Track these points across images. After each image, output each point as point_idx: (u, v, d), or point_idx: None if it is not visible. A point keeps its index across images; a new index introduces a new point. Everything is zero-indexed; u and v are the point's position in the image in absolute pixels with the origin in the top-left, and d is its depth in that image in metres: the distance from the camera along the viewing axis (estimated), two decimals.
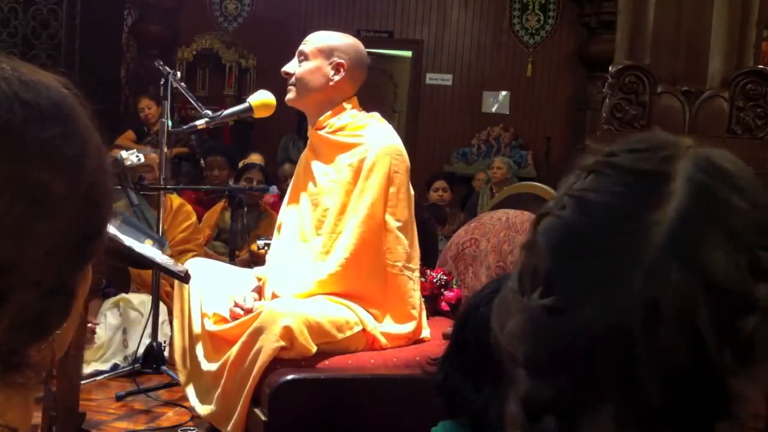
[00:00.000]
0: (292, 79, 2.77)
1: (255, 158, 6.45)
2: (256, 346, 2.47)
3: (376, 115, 2.84)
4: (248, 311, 2.62)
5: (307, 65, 2.75)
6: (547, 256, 0.64)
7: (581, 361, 0.61)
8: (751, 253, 0.59)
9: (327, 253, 2.68)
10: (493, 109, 9.00)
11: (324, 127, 2.79)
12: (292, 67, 2.79)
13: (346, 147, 2.74)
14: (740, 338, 0.59)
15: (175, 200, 4.71)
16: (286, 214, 2.92)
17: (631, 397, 0.60)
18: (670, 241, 0.59)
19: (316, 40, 2.79)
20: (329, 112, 2.78)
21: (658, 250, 0.59)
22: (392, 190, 2.67)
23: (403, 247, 2.69)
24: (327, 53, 2.75)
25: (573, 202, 0.64)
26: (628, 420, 0.60)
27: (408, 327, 2.70)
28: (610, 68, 2.99)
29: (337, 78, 2.74)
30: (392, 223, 2.67)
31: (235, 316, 2.65)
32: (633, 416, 0.60)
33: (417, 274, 2.76)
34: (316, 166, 2.81)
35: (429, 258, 3.34)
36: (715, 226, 0.60)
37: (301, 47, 2.80)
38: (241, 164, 6.16)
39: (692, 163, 0.62)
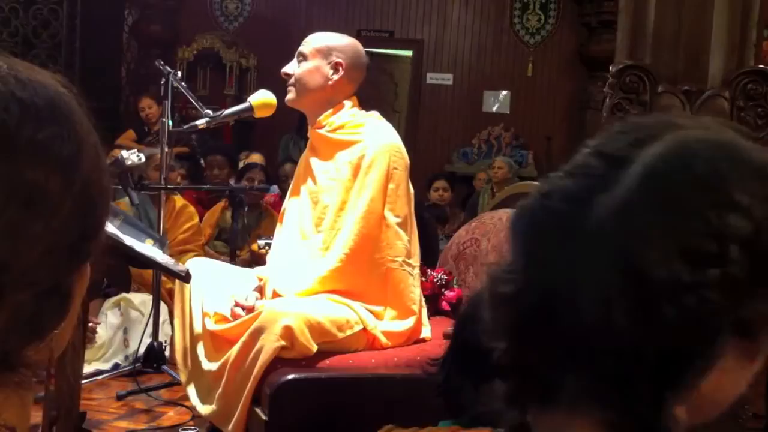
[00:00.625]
0: (292, 80, 2.79)
1: (255, 158, 6.45)
2: (257, 346, 2.48)
3: (374, 114, 2.86)
4: (250, 310, 2.63)
5: (305, 65, 2.77)
6: (510, 233, 0.68)
7: (515, 328, 0.65)
8: (685, 240, 0.59)
9: (327, 249, 2.69)
10: (494, 109, 9.00)
11: (323, 126, 2.80)
12: (291, 67, 2.81)
13: (346, 145, 2.76)
14: (663, 325, 0.59)
15: (178, 201, 4.71)
16: (286, 213, 2.93)
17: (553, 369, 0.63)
18: (602, 225, 0.60)
19: (315, 40, 2.81)
20: (328, 111, 2.79)
21: (591, 234, 0.61)
22: (391, 186, 2.68)
23: (403, 243, 2.69)
24: (325, 53, 2.77)
25: (543, 183, 0.68)
26: (589, 381, 0.62)
27: (408, 323, 2.70)
28: (610, 68, 2.99)
29: (335, 77, 2.76)
30: (391, 218, 2.68)
31: (236, 316, 2.65)
32: (591, 377, 0.62)
33: (417, 270, 2.77)
34: (316, 164, 2.83)
35: (430, 258, 3.34)
36: (654, 214, 0.60)
37: (300, 48, 2.82)
38: (241, 164, 6.17)
39: (661, 149, 0.63)
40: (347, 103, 2.81)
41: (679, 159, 0.62)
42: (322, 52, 2.78)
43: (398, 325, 2.70)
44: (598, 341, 0.60)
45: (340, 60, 2.76)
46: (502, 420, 0.72)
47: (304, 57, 2.79)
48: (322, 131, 2.81)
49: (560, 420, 0.65)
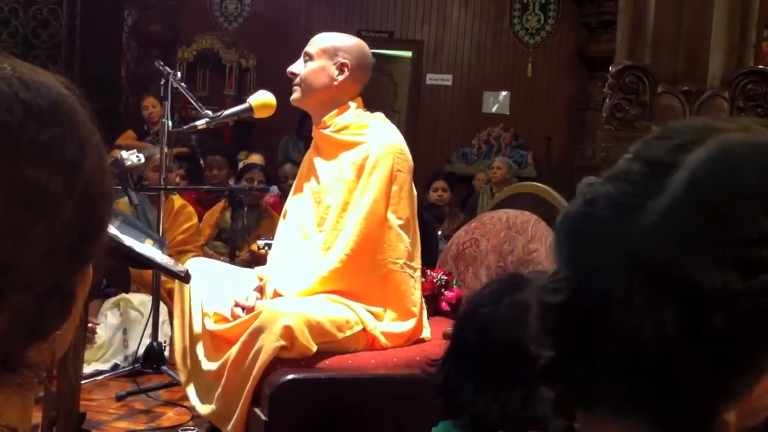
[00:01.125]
0: (297, 79, 2.79)
1: (255, 158, 6.46)
2: (257, 346, 2.48)
3: (379, 115, 2.85)
4: (250, 310, 2.63)
5: (311, 65, 2.77)
6: (555, 241, 0.68)
7: (567, 336, 0.65)
8: (735, 247, 0.59)
9: (328, 249, 2.69)
10: (494, 109, 9.01)
11: (328, 126, 2.80)
12: (297, 67, 2.80)
13: (350, 145, 2.75)
14: (716, 333, 0.59)
15: (177, 201, 4.71)
16: (289, 212, 2.93)
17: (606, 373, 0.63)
18: (649, 233, 0.60)
19: (321, 40, 2.81)
20: (333, 112, 2.79)
21: (638, 242, 0.61)
22: (395, 188, 2.68)
23: (404, 245, 2.69)
24: (331, 53, 2.77)
25: (587, 190, 0.67)
26: (636, 387, 0.63)
27: (408, 325, 2.70)
28: (610, 68, 2.99)
29: (341, 78, 2.76)
30: (394, 221, 2.68)
31: (235, 316, 2.65)
32: (639, 383, 0.62)
33: (418, 273, 2.77)
34: (320, 164, 2.83)
35: (429, 258, 3.34)
36: (703, 222, 0.60)
37: (307, 48, 2.81)
38: (241, 164, 6.16)
39: (705, 154, 0.62)
40: (352, 104, 2.81)
41: (724, 164, 0.61)
42: (327, 52, 2.78)
43: (398, 326, 2.70)
44: (648, 349, 0.60)
45: (345, 61, 2.76)
46: (548, 425, 0.72)
47: (310, 57, 2.79)
48: (326, 131, 2.81)
49: (607, 426, 0.66)
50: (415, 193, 2.80)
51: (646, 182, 0.63)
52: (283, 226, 2.94)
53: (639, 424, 0.63)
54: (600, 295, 0.62)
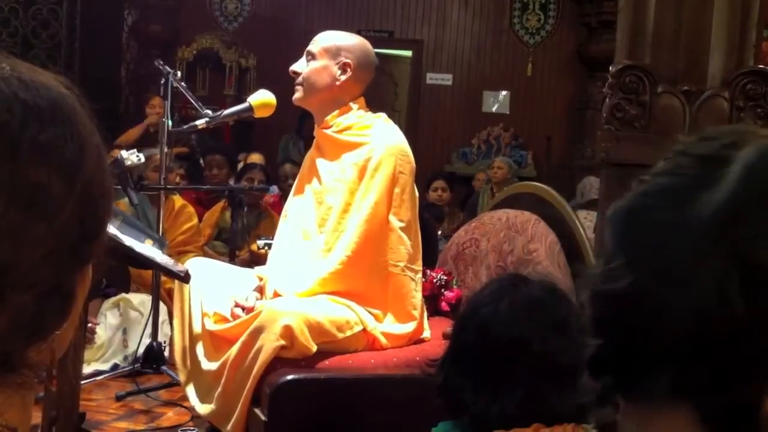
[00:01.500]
0: (299, 79, 2.78)
1: (255, 158, 6.45)
2: (257, 346, 2.47)
3: (382, 116, 2.85)
4: (250, 310, 2.62)
5: (314, 65, 2.76)
6: (610, 233, 0.71)
7: (623, 323, 0.67)
8: None
9: (329, 251, 2.69)
10: (494, 109, 9.01)
11: (330, 126, 2.80)
12: (299, 66, 2.79)
13: (352, 146, 2.75)
14: None
15: (178, 201, 4.71)
16: (289, 212, 2.92)
17: (673, 356, 0.65)
18: (713, 220, 0.63)
19: (324, 39, 2.80)
20: (336, 112, 2.78)
21: (697, 230, 0.64)
22: (396, 190, 2.68)
23: (406, 248, 2.69)
24: (334, 53, 2.76)
25: (637, 186, 0.71)
26: (685, 374, 0.65)
27: (408, 327, 2.70)
28: (610, 68, 2.99)
29: (343, 78, 2.75)
30: (395, 223, 2.68)
31: (235, 316, 2.65)
32: (689, 371, 0.65)
33: (419, 276, 2.76)
34: (322, 164, 2.82)
35: (429, 258, 3.34)
36: (760, 210, 0.63)
37: (309, 47, 2.80)
38: (241, 165, 6.16)
39: (755, 150, 0.66)
40: (354, 104, 2.80)
41: None
42: (330, 51, 2.77)
43: (398, 328, 2.70)
44: (711, 331, 0.62)
45: (348, 60, 2.75)
46: (590, 416, 0.75)
47: (312, 56, 2.78)
48: (328, 131, 2.80)
49: (649, 418, 0.68)
50: (416, 194, 2.80)
51: (700, 174, 0.66)
52: (283, 225, 2.94)
53: (682, 415, 0.65)
54: (664, 279, 0.65)
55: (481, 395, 1.46)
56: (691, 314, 0.63)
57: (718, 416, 0.64)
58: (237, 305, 2.67)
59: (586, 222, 3.99)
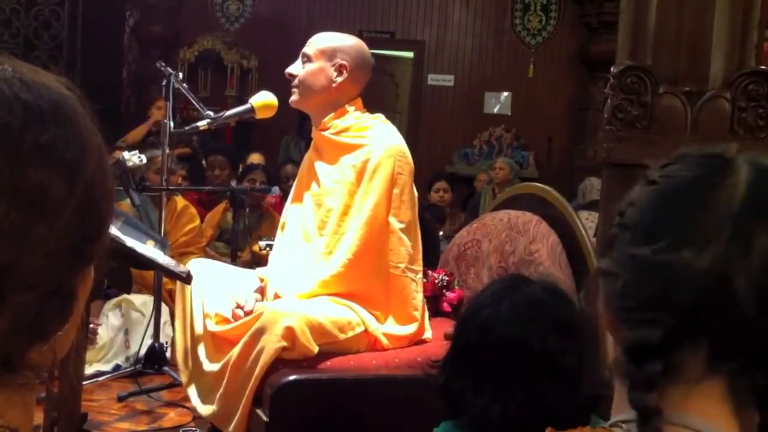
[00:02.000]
0: (296, 81, 2.78)
1: (255, 158, 6.45)
2: (258, 347, 2.47)
3: (380, 117, 2.84)
4: (248, 313, 2.62)
5: (309, 67, 2.76)
6: (647, 213, 0.77)
7: (681, 297, 0.72)
8: None
9: (330, 253, 2.68)
10: (495, 110, 9.00)
11: (328, 128, 2.79)
12: (295, 68, 2.79)
13: (350, 148, 2.74)
14: None
15: (180, 202, 4.71)
16: (289, 214, 2.92)
17: (724, 329, 0.71)
18: (746, 198, 0.72)
19: (319, 41, 2.80)
20: (333, 114, 2.78)
21: (738, 204, 0.72)
22: (396, 191, 2.67)
23: (406, 249, 2.69)
24: (329, 55, 2.75)
25: (659, 177, 0.78)
26: (721, 354, 0.72)
27: (410, 328, 2.70)
28: (611, 69, 2.99)
29: (339, 79, 2.75)
30: (395, 224, 2.67)
31: (236, 317, 2.65)
32: (725, 350, 0.72)
33: (420, 276, 2.76)
34: (320, 167, 2.82)
35: (431, 259, 3.34)
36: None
37: (305, 49, 2.80)
38: (242, 165, 6.17)
39: (745, 155, 0.77)
40: (351, 107, 2.80)
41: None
42: (326, 53, 2.76)
43: (400, 329, 2.69)
44: (734, 313, 0.70)
45: (344, 62, 2.75)
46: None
47: (308, 58, 2.77)
48: (326, 134, 2.80)
49: (687, 393, 0.73)
50: (416, 195, 2.79)
51: (711, 165, 0.76)
52: (283, 227, 2.94)
53: (717, 390, 0.72)
54: (707, 259, 0.71)
55: (482, 396, 1.46)
56: (740, 305, 0.69)
57: (749, 391, 0.71)
58: (238, 306, 2.67)
59: (587, 223, 3.99)
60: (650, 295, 0.73)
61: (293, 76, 2.78)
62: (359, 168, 2.69)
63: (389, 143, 2.71)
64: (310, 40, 2.82)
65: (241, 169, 5.91)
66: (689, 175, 0.76)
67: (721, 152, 0.77)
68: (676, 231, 0.73)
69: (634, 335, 0.73)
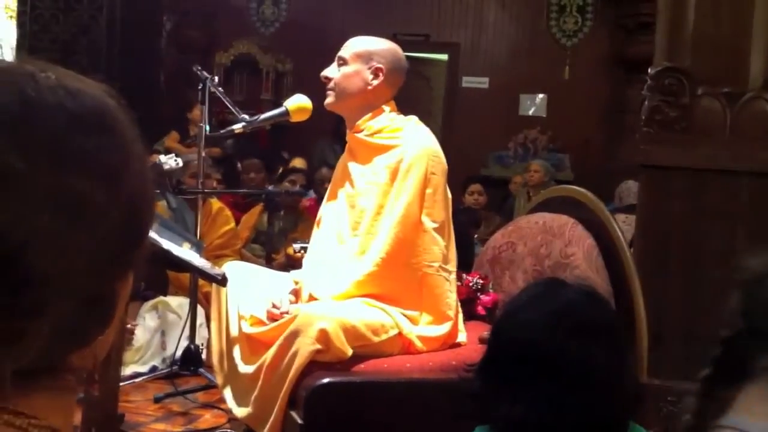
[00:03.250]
0: (331, 84, 2.79)
1: (297, 162, 6.49)
2: (293, 349, 2.48)
3: (413, 118, 2.85)
4: (281, 316, 2.64)
5: (345, 70, 2.78)
6: None
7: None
8: None
9: (363, 253, 2.69)
10: (530, 112, 8.95)
11: (362, 130, 2.81)
12: (331, 71, 2.81)
13: (384, 149, 2.76)
14: None
15: (215, 204, 4.75)
16: (323, 216, 2.94)
17: None
18: None
19: (355, 45, 2.82)
20: (367, 115, 2.79)
21: None
22: (429, 191, 2.68)
23: (440, 248, 2.69)
24: (365, 58, 2.77)
25: None
26: None
27: (444, 328, 2.69)
28: (649, 70, 2.96)
29: (375, 83, 2.76)
30: (428, 224, 2.67)
31: (272, 317, 2.66)
32: None
33: (453, 276, 2.76)
34: (354, 168, 2.83)
35: (465, 262, 3.33)
36: None
37: (341, 52, 2.82)
38: (281, 169, 6.20)
39: None
40: (386, 108, 2.82)
41: None
42: (362, 56, 2.78)
43: (434, 330, 2.69)
44: None
45: (380, 65, 2.77)
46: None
47: (344, 61, 2.79)
48: (360, 135, 2.82)
49: (747, 390, 0.77)
50: (449, 196, 2.79)
51: None
52: (317, 230, 2.95)
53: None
54: None
55: (517, 403, 1.45)
56: None
57: None
58: (273, 306, 2.68)
59: (624, 226, 3.94)
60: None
61: (329, 79, 2.80)
62: (393, 168, 2.70)
63: (422, 144, 2.72)
64: (346, 43, 2.84)
65: (281, 172, 5.95)
66: None
67: None
68: None
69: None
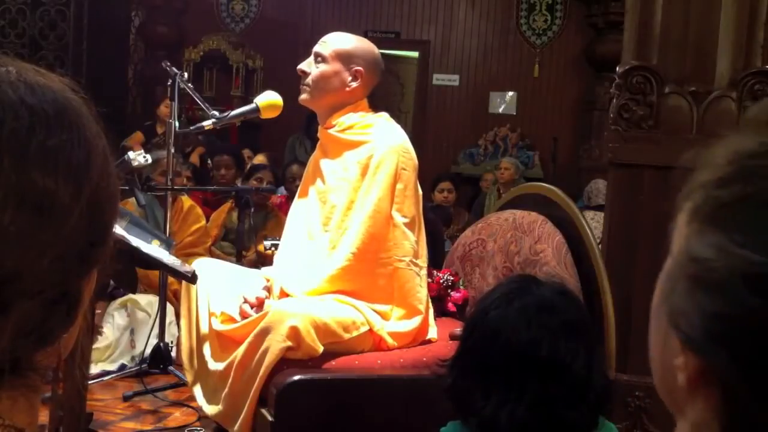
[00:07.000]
0: (308, 80, 2.77)
1: (259, 159, 6.46)
2: (263, 346, 2.48)
3: (384, 115, 2.86)
4: (260, 301, 2.63)
5: (324, 68, 2.75)
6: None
7: None
8: None
9: (334, 249, 2.69)
10: (500, 110, 9.00)
11: (333, 126, 2.80)
12: (307, 65, 2.79)
13: (354, 145, 2.76)
14: None
15: (186, 202, 4.71)
16: (295, 212, 2.93)
17: None
18: None
19: (335, 42, 2.79)
20: (338, 112, 2.79)
21: None
22: (399, 186, 2.68)
23: (410, 243, 2.69)
24: (346, 59, 2.76)
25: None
26: None
27: (414, 322, 2.70)
28: (617, 68, 2.98)
29: (354, 85, 2.76)
30: (399, 218, 2.68)
31: (245, 315, 2.65)
32: None
33: (424, 271, 2.77)
34: (325, 164, 2.83)
35: (436, 259, 3.34)
36: None
37: (319, 48, 2.79)
38: (249, 162, 6.17)
39: None
40: (357, 105, 2.81)
41: None
42: (342, 57, 2.76)
43: (404, 325, 2.70)
44: None
45: (360, 68, 2.76)
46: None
47: (322, 58, 2.77)
48: (331, 131, 2.81)
49: None
50: (420, 192, 2.80)
51: None
52: (289, 227, 2.94)
53: None
54: None
55: (490, 399, 1.46)
56: None
57: None
58: (246, 301, 2.67)
59: (592, 223, 3.98)
60: None
61: (306, 74, 2.78)
62: (363, 164, 2.70)
63: (393, 140, 2.72)
64: (325, 39, 2.82)
65: (247, 169, 5.92)
66: None
67: None
68: None
69: None
